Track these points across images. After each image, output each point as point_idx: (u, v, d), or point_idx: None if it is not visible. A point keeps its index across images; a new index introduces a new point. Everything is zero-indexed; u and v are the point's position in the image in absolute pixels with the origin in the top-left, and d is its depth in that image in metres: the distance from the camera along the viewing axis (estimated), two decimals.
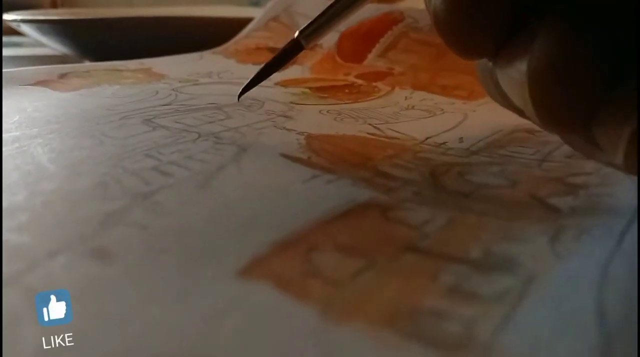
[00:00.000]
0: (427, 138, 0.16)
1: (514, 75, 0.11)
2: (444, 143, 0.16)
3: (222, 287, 0.08)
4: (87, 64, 0.30)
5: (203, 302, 0.08)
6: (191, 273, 0.08)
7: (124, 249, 0.09)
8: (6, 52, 0.45)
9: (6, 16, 0.39)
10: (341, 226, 0.10)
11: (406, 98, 0.23)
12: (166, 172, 0.13)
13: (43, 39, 0.39)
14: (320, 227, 0.10)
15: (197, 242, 0.09)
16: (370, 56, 0.29)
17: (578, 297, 0.07)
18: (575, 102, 0.10)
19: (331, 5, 0.15)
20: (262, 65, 0.16)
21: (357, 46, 0.30)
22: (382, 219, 0.10)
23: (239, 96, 0.17)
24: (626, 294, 0.07)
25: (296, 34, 0.15)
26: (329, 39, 0.31)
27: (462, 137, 0.16)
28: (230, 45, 0.35)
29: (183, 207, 0.11)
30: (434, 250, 0.09)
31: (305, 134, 0.16)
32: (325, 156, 0.14)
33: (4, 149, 0.14)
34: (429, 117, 0.19)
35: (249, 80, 0.17)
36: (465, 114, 0.19)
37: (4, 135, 0.16)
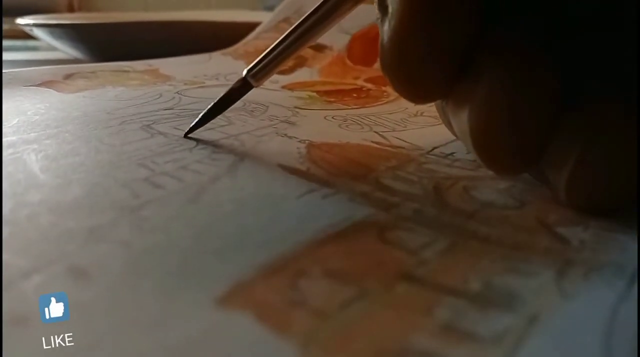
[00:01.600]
0: (433, 148, 0.16)
1: (459, 123, 0.11)
2: (451, 154, 0.15)
3: (199, 317, 0.07)
4: (94, 65, 0.30)
5: (177, 333, 0.07)
6: (168, 299, 0.08)
7: (103, 269, 0.09)
8: (21, 56, 0.46)
9: (19, 20, 0.39)
10: (334, 249, 0.09)
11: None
12: (157, 184, 0.12)
13: (55, 43, 0.39)
14: (311, 249, 0.09)
15: (180, 263, 0.09)
16: None
17: (583, 343, 0.07)
18: (517, 152, 0.10)
19: (278, 44, 0.14)
20: (210, 105, 0.16)
21: (367, 49, 0.29)
22: (379, 240, 0.10)
23: (185, 135, 0.16)
24: (635, 343, 0.07)
25: (244, 73, 0.15)
26: (340, 41, 0.30)
27: None
28: (239, 46, 0.34)
29: (169, 223, 0.10)
30: (430, 279, 0.08)
31: (307, 142, 0.16)
32: (325, 167, 0.14)
33: None
34: (438, 124, 0.19)
35: (196, 119, 0.16)
36: None
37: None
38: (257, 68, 0.15)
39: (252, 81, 0.15)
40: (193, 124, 0.16)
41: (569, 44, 0.10)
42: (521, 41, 0.10)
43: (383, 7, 0.11)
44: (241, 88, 0.15)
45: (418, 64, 0.11)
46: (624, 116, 0.09)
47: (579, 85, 0.10)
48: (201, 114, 0.16)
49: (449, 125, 0.13)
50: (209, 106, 0.16)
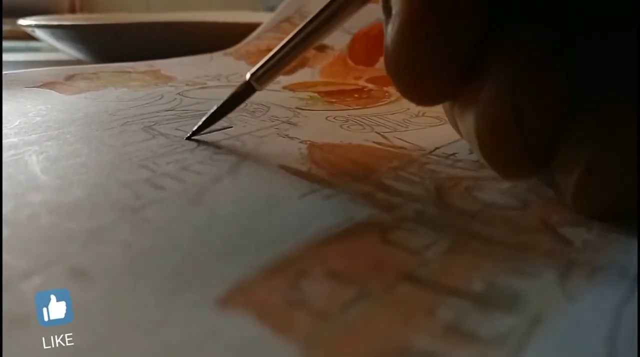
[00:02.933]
0: (435, 148, 0.15)
1: (466, 125, 0.10)
2: (453, 154, 0.15)
3: (200, 317, 0.07)
4: (96, 66, 0.30)
5: (178, 333, 0.07)
6: (169, 300, 0.08)
7: (103, 270, 0.09)
8: (23, 57, 0.46)
9: (21, 21, 0.39)
10: (335, 249, 0.09)
11: None
12: (158, 185, 0.12)
13: (57, 44, 0.39)
14: (312, 250, 0.09)
15: (180, 264, 0.09)
16: (382, 59, 0.28)
17: (587, 345, 0.07)
18: (524, 155, 0.10)
19: (282, 46, 0.14)
20: (213, 109, 0.16)
21: (369, 48, 0.29)
22: (381, 241, 0.10)
23: (188, 138, 0.16)
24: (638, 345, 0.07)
25: (247, 76, 0.15)
26: (341, 41, 0.30)
27: None
28: (241, 46, 0.34)
29: (170, 224, 0.10)
30: (432, 280, 0.08)
31: (308, 142, 0.16)
32: (327, 168, 0.14)
33: None
34: (440, 124, 0.19)
35: (198, 123, 0.16)
36: None
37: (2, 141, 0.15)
38: (261, 71, 0.15)
39: (255, 85, 0.15)
40: (195, 127, 0.16)
41: (579, 46, 0.10)
42: (529, 42, 0.10)
43: (387, 9, 0.11)
44: (244, 92, 0.15)
45: (422, 65, 0.10)
46: (636, 122, 0.09)
47: (589, 88, 0.10)
48: (204, 118, 0.16)
49: (456, 127, 0.13)
50: (212, 110, 0.16)
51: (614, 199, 0.10)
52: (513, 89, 0.09)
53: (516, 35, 0.10)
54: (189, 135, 0.16)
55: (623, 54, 0.10)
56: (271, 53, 0.14)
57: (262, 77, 0.15)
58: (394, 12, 0.11)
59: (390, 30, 0.11)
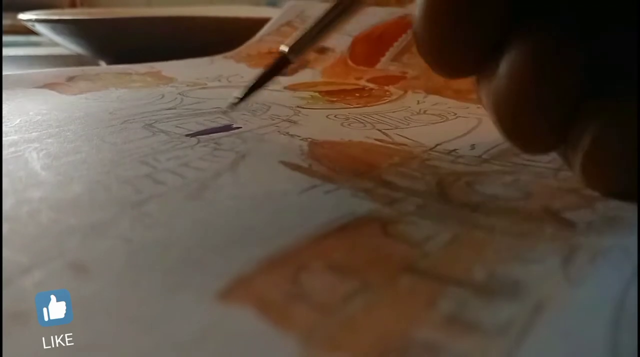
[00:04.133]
0: (436, 145, 0.15)
1: (485, 99, 0.11)
2: (455, 150, 0.15)
3: (200, 312, 0.07)
4: (97, 67, 0.30)
5: (179, 328, 0.07)
6: (169, 294, 0.08)
7: (103, 265, 0.09)
8: (24, 51, 0.46)
9: (21, 16, 0.39)
10: (336, 243, 0.09)
11: (418, 102, 0.22)
12: (159, 181, 0.12)
13: (57, 38, 0.39)
14: (313, 243, 0.09)
15: (181, 258, 0.09)
16: (383, 60, 0.28)
17: (590, 332, 0.07)
18: (540, 129, 0.10)
19: (318, 20, 0.14)
20: (252, 81, 0.16)
21: (370, 50, 0.29)
22: (381, 234, 0.10)
23: (231, 106, 0.16)
24: None
25: (284, 49, 0.15)
26: (342, 43, 0.30)
27: (474, 144, 0.15)
28: (242, 49, 0.34)
29: (171, 219, 0.10)
30: (434, 271, 0.08)
31: (309, 140, 0.16)
32: (327, 164, 0.14)
33: None
34: (441, 122, 0.19)
35: (243, 94, 0.16)
36: (479, 119, 0.19)
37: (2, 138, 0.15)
38: (297, 44, 0.15)
39: (291, 57, 0.15)
40: (236, 100, 0.16)
41: (599, 35, 0.10)
42: (552, 23, 0.10)
43: None
44: (280, 63, 0.15)
45: (449, 38, 0.11)
46: None
47: (605, 79, 0.10)
48: (243, 90, 0.16)
49: (481, 102, 0.13)
50: (248, 85, 0.16)
51: (621, 173, 0.10)
52: (533, 62, 0.10)
53: (540, 17, 0.10)
54: (226, 106, 0.16)
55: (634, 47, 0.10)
56: (307, 27, 0.14)
57: (297, 49, 0.15)
58: None
59: (418, 3, 0.11)
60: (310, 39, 0.14)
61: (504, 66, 0.10)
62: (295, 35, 0.15)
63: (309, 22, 0.14)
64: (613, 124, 0.09)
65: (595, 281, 0.08)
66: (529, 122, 0.10)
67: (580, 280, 0.08)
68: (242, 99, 0.16)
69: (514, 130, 0.10)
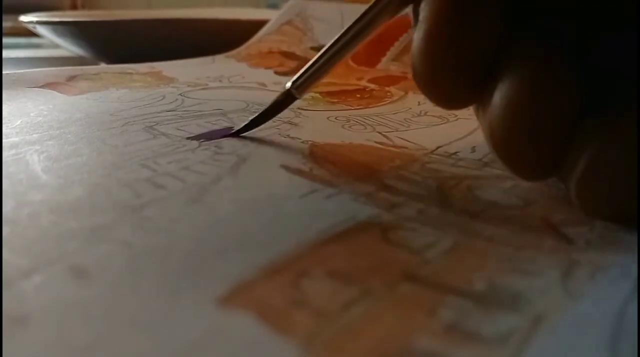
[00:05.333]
0: (437, 147, 0.15)
1: (482, 127, 0.11)
2: (455, 153, 0.15)
3: (201, 317, 0.07)
4: (97, 67, 0.30)
5: (179, 333, 0.07)
6: (169, 299, 0.08)
7: (104, 269, 0.09)
8: (24, 53, 0.46)
9: (22, 17, 0.39)
10: (336, 249, 0.09)
11: (419, 103, 0.22)
12: (159, 185, 0.12)
13: (59, 40, 0.39)
14: (313, 249, 0.09)
15: (181, 263, 0.09)
16: (384, 59, 0.28)
17: (590, 345, 0.07)
18: (537, 156, 0.10)
19: (321, 55, 0.14)
20: (255, 115, 0.16)
21: (370, 49, 0.29)
22: (382, 240, 0.10)
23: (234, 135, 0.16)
24: None
25: (288, 85, 0.15)
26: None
27: (474, 146, 0.15)
28: (243, 49, 0.34)
29: (171, 223, 0.10)
30: (434, 279, 0.08)
31: (310, 142, 0.16)
32: (328, 167, 0.14)
33: None
34: (442, 124, 0.19)
35: (240, 129, 0.16)
36: None
37: (3, 140, 0.15)
38: (300, 80, 0.15)
39: (295, 92, 0.15)
40: (238, 129, 0.16)
41: (592, 47, 0.10)
42: (546, 46, 0.10)
43: (416, 15, 0.12)
44: (285, 100, 0.15)
45: (447, 68, 0.11)
46: (637, 120, 0.09)
47: (602, 92, 0.10)
48: (242, 126, 0.16)
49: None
50: (251, 118, 0.16)
51: (616, 197, 0.10)
52: (528, 90, 0.10)
53: (534, 39, 0.10)
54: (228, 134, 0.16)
55: (630, 54, 0.10)
56: (310, 62, 0.15)
57: (302, 85, 0.15)
58: (420, 17, 0.11)
59: (416, 35, 0.11)
60: (314, 74, 0.14)
61: (497, 96, 0.10)
62: (300, 71, 0.15)
63: (314, 57, 0.14)
64: (608, 148, 0.09)
65: (595, 296, 0.08)
66: (523, 152, 0.10)
67: (579, 294, 0.08)
68: (242, 132, 0.16)
69: (509, 159, 0.10)
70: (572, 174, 0.10)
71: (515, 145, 0.10)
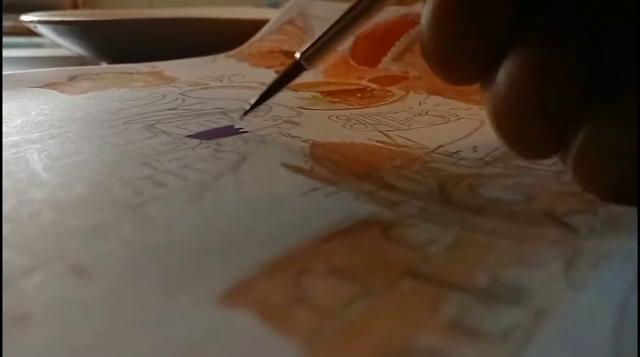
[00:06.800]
0: (438, 146, 0.15)
1: (486, 105, 0.11)
2: (457, 152, 0.15)
3: (201, 315, 0.07)
4: (99, 67, 0.30)
5: (179, 331, 0.07)
6: (170, 298, 0.08)
7: (104, 267, 0.09)
8: (25, 52, 0.46)
9: (23, 17, 0.39)
10: (337, 246, 0.09)
11: (420, 103, 0.22)
12: (160, 182, 0.12)
13: (59, 40, 0.39)
14: (314, 246, 0.09)
15: (181, 261, 0.09)
16: (385, 59, 0.28)
17: (593, 337, 0.07)
18: (539, 135, 0.10)
19: (332, 26, 0.14)
20: (265, 87, 0.16)
21: (371, 49, 0.29)
22: (383, 237, 0.10)
23: (243, 116, 0.17)
24: None
25: (297, 56, 0.15)
26: (344, 43, 0.30)
27: (476, 146, 0.15)
28: (244, 48, 0.34)
29: (172, 221, 0.10)
30: (436, 275, 0.08)
31: (311, 141, 0.16)
32: (329, 166, 0.13)
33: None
34: (443, 123, 0.19)
35: (252, 103, 0.16)
36: (482, 120, 0.18)
37: (3, 139, 0.15)
38: (310, 51, 0.15)
39: (304, 64, 0.15)
40: (250, 107, 0.16)
41: (600, 37, 0.10)
42: (554, 29, 0.10)
43: None
44: (294, 70, 0.15)
45: (453, 46, 0.11)
46: (636, 97, 0.09)
47: (607, 77, 0.10)
48: (258, 96, 0.16)
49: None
50: (263, 90, 0.16)
51: (613, 173, 0.10)
52: (530, 71, 0.10)
53: (542, 21, 0.10)
54: (242, 114, 0.17)
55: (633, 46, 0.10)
56: (320, 34, 0.14)
57: (312, 56, 0.15)
58: None
59: (425, 10, 0.11)
60: (324, 45, 0.14)
61: (502, 73, 0.10)
62: (309, 42, 0.15)
63: (325, 28, 0.14)
64: (605, 124, 0.09)
65: (598, 286, 0.08)
66: (527, 128, 0.10)
67: (583, 285, 0.08)
68: (255, 106, 0.16)
69: (513, 136, 0.10)
70: (571, 148, 0.10)
71: (517, 121, 0.10)
